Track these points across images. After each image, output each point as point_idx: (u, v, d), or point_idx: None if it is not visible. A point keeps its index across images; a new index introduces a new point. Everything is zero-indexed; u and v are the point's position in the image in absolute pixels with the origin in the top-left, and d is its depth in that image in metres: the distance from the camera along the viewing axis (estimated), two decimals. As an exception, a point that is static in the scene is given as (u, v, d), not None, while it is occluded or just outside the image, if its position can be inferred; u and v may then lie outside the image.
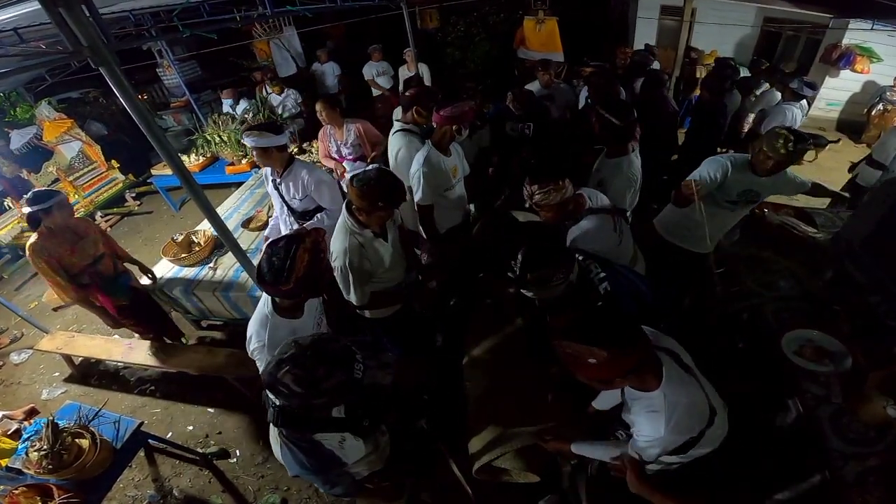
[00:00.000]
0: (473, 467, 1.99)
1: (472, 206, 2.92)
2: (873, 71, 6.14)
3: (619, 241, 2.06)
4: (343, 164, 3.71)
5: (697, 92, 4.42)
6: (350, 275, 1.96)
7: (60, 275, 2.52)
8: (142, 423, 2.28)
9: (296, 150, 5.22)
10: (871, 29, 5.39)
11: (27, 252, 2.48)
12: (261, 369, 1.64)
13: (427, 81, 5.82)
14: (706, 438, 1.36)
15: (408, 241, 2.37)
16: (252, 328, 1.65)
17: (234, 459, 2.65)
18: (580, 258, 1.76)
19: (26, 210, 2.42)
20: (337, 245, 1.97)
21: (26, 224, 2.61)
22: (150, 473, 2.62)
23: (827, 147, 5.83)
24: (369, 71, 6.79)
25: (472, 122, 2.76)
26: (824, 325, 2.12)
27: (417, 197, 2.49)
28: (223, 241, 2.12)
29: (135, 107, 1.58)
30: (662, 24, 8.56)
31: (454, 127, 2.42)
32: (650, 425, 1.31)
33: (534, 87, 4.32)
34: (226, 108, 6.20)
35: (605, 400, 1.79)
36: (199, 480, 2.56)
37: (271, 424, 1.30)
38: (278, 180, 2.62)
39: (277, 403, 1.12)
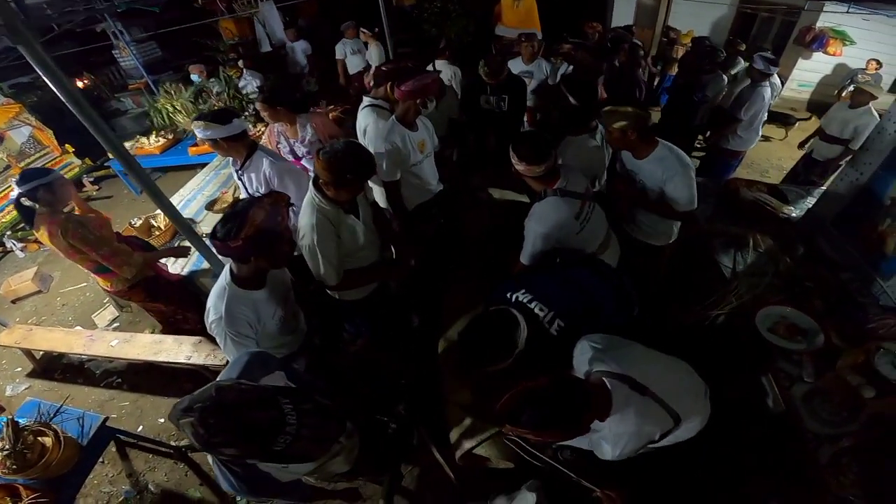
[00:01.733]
0: (456, 455, 1.95)
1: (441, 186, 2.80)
2: (845, 54, 6.23)
3: (579, 228, 2.01)
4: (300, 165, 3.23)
5: (674, 71, 4.41)
6: (318, 253, 1.85)
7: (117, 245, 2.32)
8: (107, 419, 2.16)
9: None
10: (847, 11, 5.43)
11: (58, 237, 2.17)
12: (221, 345, 1.57)
13: (376, 61, 5.67)
14: (679, 432, 1.39)
15: (381, 219, 2.28)
16: (210, 301, 1.56)
17: (211, 452, 2.55)
18: (524, 309, 1.71)
19: (19, 191, 2.15)
20: (304, 221, 1.84)
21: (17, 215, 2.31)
22: (124, 468, 2.51)
23: (796, 125, 5.97)
24: (342, 49, 6.47)
25: (436, 94, 2.62)
26: (797, 301, 2.11)
27: (381, 173, 2.39)
28: (177, 227, 1.96)
29: (62, 87, 1.40)
30: (641, 3, 8.48)
31: (418, 101, 2.32)
32: (601, 448, 1.38)
33: (516, 63, 4.21)
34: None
35: None
36: (174, 474, 2.47)
37: None
38: (240, 171, 2.41)
39: None
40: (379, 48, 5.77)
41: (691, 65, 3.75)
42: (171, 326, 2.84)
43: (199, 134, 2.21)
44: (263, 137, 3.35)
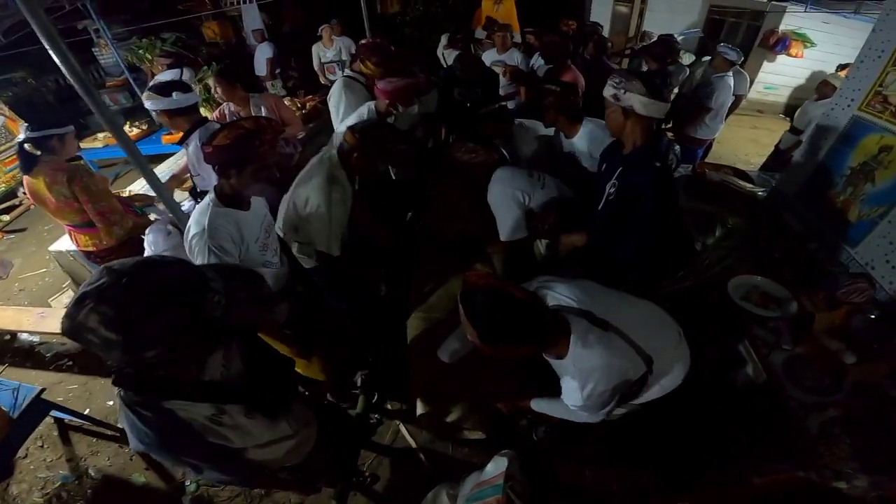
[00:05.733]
0: (417, 412, 1.88)
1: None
2: (807, 56, 6.32)
3: (541, 185, 2.10)
4: None
5: (646, 67, 4.42)
6: (329, 217, 1.83)
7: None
8: (43, 390, 1.95)
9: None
10: (805, 11, 5.50)
11: (61, 184, 2.14)
12: (200, 262, 1.37)
13: (345, 56, 5.60)
14: (656, 378, 1.27)
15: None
16: (192, 219, 1.47)
17: (161, 434, 2.33)
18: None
19: (29, 135, 2.13)
20: (315, 186, 1.82)
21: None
22: (65, 453, 2.28)
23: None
24: (317, 52, 5.99)
25: (410, 102, 2.55)
26: (767, 272, 2.05)
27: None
28: (166, 204, 1.81)
29: (65, 60, 1.33)
30: (616, 10, 8.58)
31: (388, 102, 2.31)
32: (569, 394, 1.23)
33: (490, 54, 4.18)
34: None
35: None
36: (119, 458, 2.24)
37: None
38: (183, 145, 2.37)
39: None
40: (345, 42, 5.69)
41: (660, 54, 3.78)
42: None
43: (146, 104, 2.23)
44: (213, 116, 3.22)
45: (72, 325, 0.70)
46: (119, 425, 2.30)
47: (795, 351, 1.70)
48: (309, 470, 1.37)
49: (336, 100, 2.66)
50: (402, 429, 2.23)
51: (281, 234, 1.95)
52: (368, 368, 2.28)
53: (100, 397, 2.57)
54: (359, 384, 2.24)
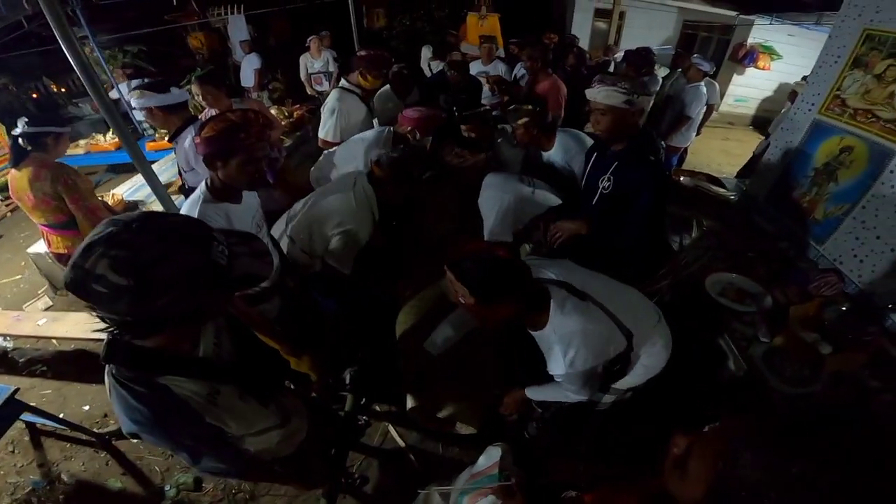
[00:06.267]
0: (407, 406, 1.90)
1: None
2: (774, 68, 6.60)
3: (531, 190, 2.15)
4: None
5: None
6: (359, 240, 1.94)
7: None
8: (17, 390, 1.88)
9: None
10: (770, 24, 5.76)
11: (45, 181, 2.12)
12: None
13: (332, 68, 5.68)
14: (638, 356, 1.33)
15: None
16: (183, 209, 1.48)
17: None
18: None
19: (25, 129, 2.12)
20: (347, 209, 1.92)
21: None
22: (36, 458, 2.19)
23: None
24: (305, 63, 5.89)
25: (429, 133, 2.62)
26: (742, 270, 2.11)
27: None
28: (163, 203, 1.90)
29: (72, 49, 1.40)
30: (595, 27, 8.85)
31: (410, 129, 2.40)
32: (554, 363, 1.24)
33: (475, 65, 4.30)
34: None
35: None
36: (94, 463, 2.15)
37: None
38: (173, 141, 2.32)
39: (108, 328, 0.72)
40: (331, 55, 5.75)
41: (638, 62, 3.93)
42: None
43: (134, 103, 2.18)
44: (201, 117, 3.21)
45: (77, 274, 0.64)
46: (95, 430, 2.24)
47: (773, 343, 1.74)
48: (302, 463, 1.34)
49: (329, 109, 2.70)
50: (392, 430, 2.21)
51: (286, 240, 2.00)
52: (357, 366, 2.27)
53: (74, 402, 2.48)
54: (347, 382, 2.22)
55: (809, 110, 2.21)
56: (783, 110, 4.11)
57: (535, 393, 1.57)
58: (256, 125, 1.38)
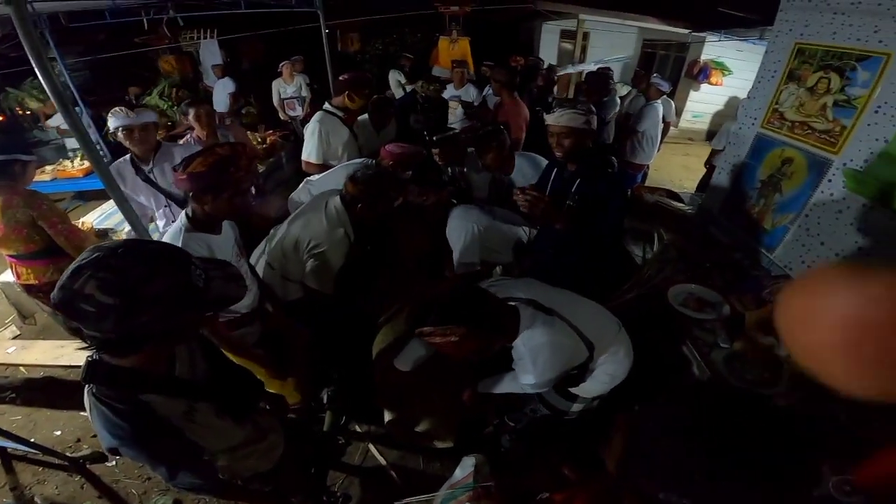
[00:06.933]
0: (385, 419, 1.94)
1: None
2: (726, 84, 6.96)
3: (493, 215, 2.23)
4: None
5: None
6: (334, 263, 1.92)
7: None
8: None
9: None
10: (720, 40, 6.08)
11: (16, 208, 2.04)
12: None
13: (304, 93, 5.75)
14: (598, 364, 1.41)
15: None
16: (165, 240, 1.45)
17: (114, 462, 2.20)
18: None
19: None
20: (324, 231, 1.90)
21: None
22: (8, 482, 2.11)
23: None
24: (277, 88, 5.87)
25: (409, 169, 2.60)
26: (700, 280, 2.20)
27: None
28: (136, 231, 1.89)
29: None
30: (561, 48, 9.19)
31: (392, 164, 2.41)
32: (524, 374, 1.33)
33: (448, 90, 4.42)
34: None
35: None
36: (68, 487, 2.09)
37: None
38: (149, 168, 2.33)
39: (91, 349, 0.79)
40: (304, 79, 5.80)
41: (597, 86, 4.09)
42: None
43: (113, 123, 2.21)
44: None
45: (65, 294, 0.70)
46: (67, 454, 2.17)
47: (733, 348, 1.81)
48: (281, 480, 1.35)
49: (311, 131, 2.73)
50: (372, 448, 2.20)
51: (263, 266, 1.99)
52: (334, 385, 2.25)
53: (45, 427, 2.41)
54: (325, 401, 2.21)
55: (753, 124, 2.30)
56: (724, 124, 4.29)
57: (488, 385, 1.65)
58: (244, 158, 1.40)
